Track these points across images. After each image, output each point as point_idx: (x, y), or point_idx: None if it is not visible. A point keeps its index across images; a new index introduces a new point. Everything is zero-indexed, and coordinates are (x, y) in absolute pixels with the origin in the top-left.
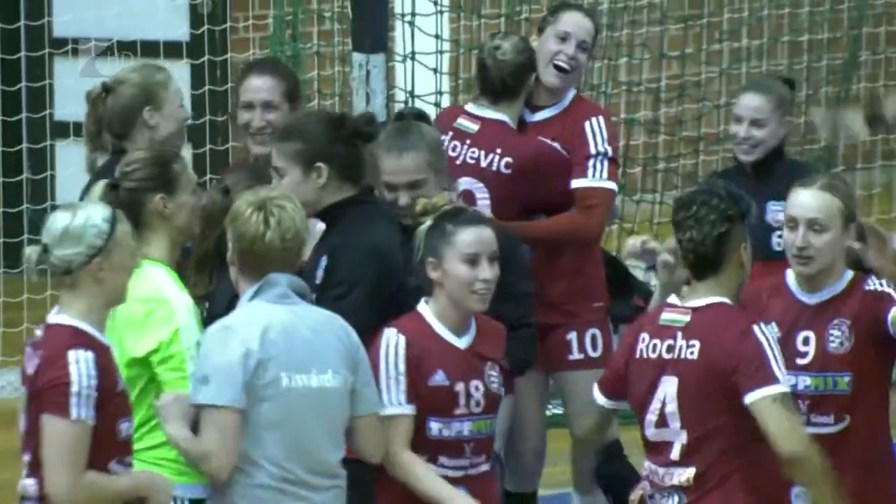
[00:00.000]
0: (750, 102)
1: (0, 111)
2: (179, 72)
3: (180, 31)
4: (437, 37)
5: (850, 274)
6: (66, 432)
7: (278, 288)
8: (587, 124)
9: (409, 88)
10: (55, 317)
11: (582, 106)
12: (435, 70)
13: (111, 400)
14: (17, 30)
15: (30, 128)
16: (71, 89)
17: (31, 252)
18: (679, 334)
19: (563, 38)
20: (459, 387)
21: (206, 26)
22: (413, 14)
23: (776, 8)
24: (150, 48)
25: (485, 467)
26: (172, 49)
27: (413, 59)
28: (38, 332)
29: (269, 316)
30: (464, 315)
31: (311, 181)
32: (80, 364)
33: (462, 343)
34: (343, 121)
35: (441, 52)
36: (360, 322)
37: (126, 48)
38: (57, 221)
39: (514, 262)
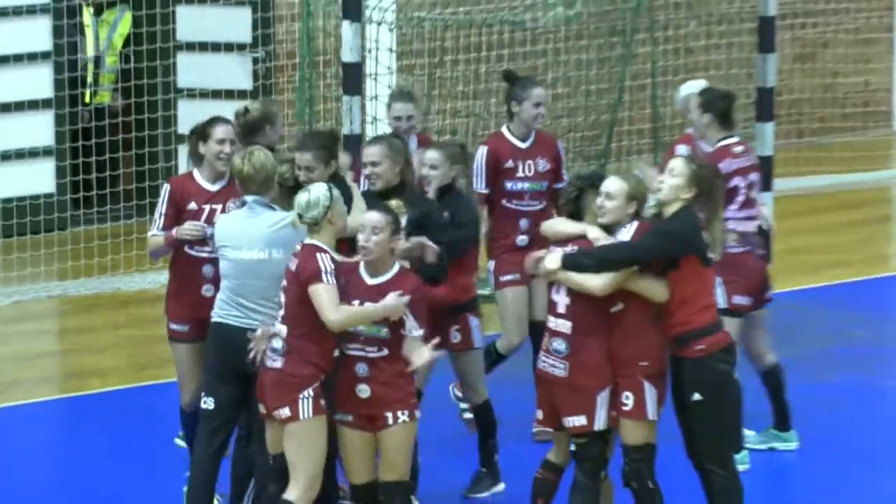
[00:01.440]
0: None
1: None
2: None
3: (245, 83)
4: (388, 86)
5: None
6: (327, 289)
7: (247, 203)
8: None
9: (374, 116)
10: (308, 240)
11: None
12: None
13: (338, 279)
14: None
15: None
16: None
17: (294, 218)
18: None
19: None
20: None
21: (260, 80)
22: (376, 74)
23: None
24: (227, 93)
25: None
26: (241, 94)
27: (376, 99)
28: (298, 248)
29: (228, 217)
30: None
31: (328, 171)
32: (324, 259)
33: (374, 281)
34: (336, 135)
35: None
36: None
37: (214, 94)
38: (301, 198)
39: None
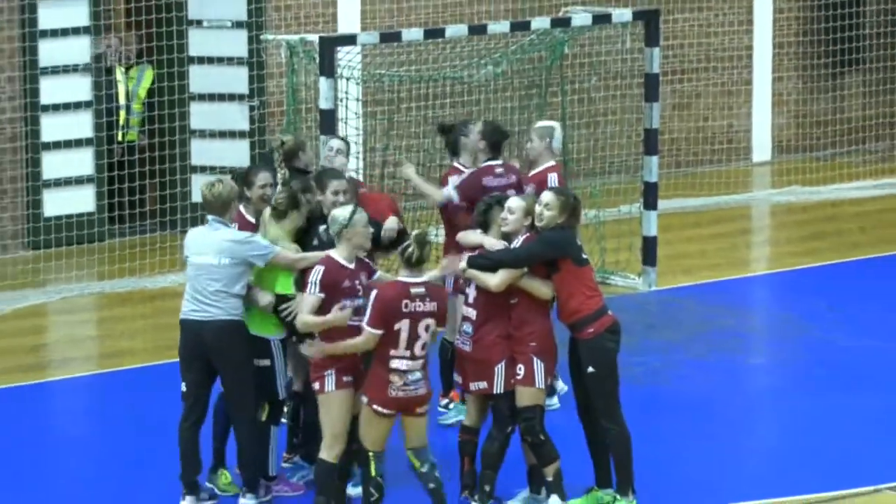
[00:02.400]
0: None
1: None
2: (244, 145)
3: (244, 125)
4: (356, 128)
5: None
6: (306, 297)
7: (209, 221)
8: None
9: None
10: (331, 253)
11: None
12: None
13: (337, 286)
14: None
15: None
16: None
17: (322, 231)
18: None
19: None
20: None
21: (256, 124)
22: (346, 119)
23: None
24: (230, 133)
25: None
26: (241, 134)
27: (346, 138)
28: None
29: (193, 231)
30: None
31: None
32: (317, 271)
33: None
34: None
35: (358, 136)
36: None
37: (220, 135)
38: (331, 215)
39: None
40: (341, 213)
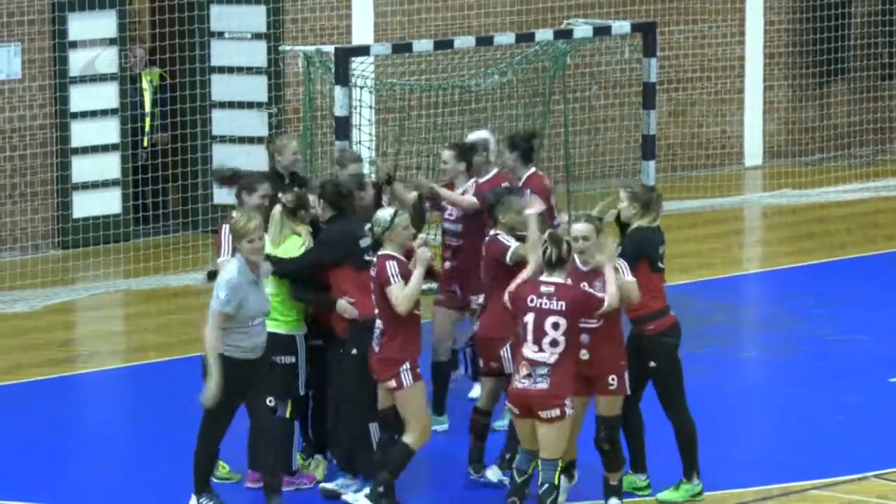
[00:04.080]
0: None
1: None
2: (262, 151)
3: (263, 131)
4: (369, 134)
5: None
6: (396, 290)
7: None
8: None
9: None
10: (382, 251)
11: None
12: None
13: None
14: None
15: None
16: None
17: (367, 233)
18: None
19: None
20: None
21: (273, 130)
22: (360, 125)
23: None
24: (249, 139)
25: None
26: (259, 140)
27: (360, 143)
28: (374, 259)
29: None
30: None
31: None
32: (392, 265)
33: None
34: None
35: (371, 142)
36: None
37: (239, 140)
38: (375, 218)
39: None
40: (383, 214)
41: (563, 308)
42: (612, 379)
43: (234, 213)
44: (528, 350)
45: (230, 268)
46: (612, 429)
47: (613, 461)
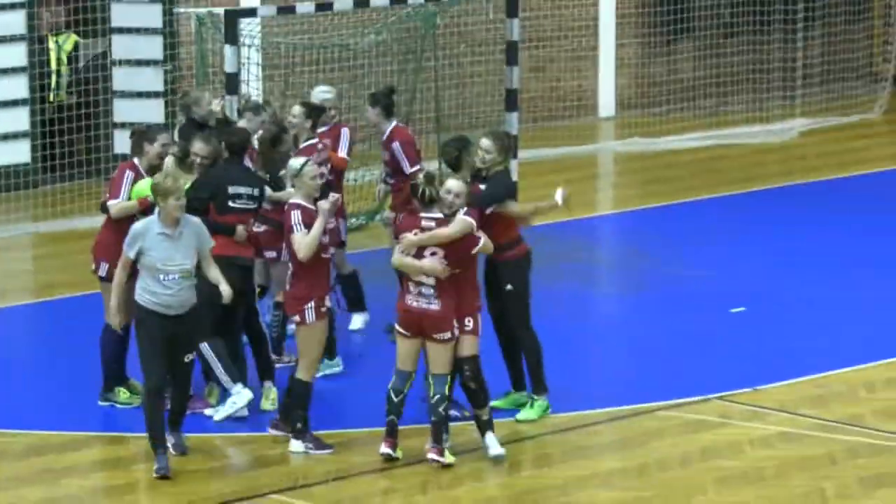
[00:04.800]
0: None
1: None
2: (160, 104)
3: (160, 87)
4: (257, 89)
5: None
6: (298, 238)
7: None
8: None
9: None
10: (291, 199)
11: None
12: None
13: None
14: None
15: None
16: None
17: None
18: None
19: None
20: None
21: (170, 85)
22: (248, 81)
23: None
24: (147, 94)
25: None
26: (157, 94)
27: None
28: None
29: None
30: None
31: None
32: (296, 214)
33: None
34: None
35: (259, 96)
36: None
37: (138, 95)
38: (288, 164)
39: None
40: (293, 163)
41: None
42: (468, 320)
43: (136, 161)
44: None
45: (144, 219)
46: (475, 368)
47: (480, 397)
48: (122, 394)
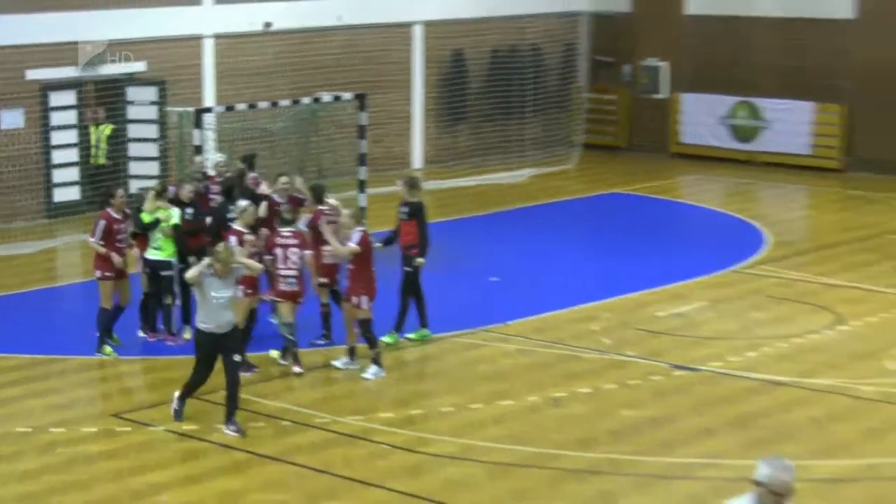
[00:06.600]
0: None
1: None
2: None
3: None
4: (214, 151)
5: None
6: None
7: None
8: None
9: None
10: (235, 226)
11: None
12: None
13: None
14: None
15: None
16: None
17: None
18: None
19: None
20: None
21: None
22: (208, 149)
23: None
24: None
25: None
26: (155, 158)
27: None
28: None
29: None
30: None
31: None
32: (233, 238)
33: None
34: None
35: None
36: None
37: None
38: (237, 205)
39: None
40: (240, 203)
41: (298, 243)
42: (355, 299)
43: (109, 210)
44: (281, 269)
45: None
46: (366, 328)
47: (373, 343)
48: (108, 349)
